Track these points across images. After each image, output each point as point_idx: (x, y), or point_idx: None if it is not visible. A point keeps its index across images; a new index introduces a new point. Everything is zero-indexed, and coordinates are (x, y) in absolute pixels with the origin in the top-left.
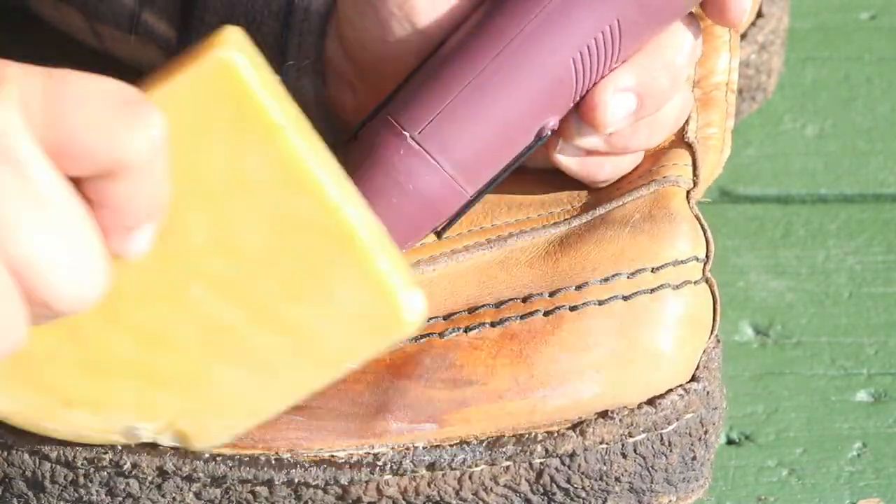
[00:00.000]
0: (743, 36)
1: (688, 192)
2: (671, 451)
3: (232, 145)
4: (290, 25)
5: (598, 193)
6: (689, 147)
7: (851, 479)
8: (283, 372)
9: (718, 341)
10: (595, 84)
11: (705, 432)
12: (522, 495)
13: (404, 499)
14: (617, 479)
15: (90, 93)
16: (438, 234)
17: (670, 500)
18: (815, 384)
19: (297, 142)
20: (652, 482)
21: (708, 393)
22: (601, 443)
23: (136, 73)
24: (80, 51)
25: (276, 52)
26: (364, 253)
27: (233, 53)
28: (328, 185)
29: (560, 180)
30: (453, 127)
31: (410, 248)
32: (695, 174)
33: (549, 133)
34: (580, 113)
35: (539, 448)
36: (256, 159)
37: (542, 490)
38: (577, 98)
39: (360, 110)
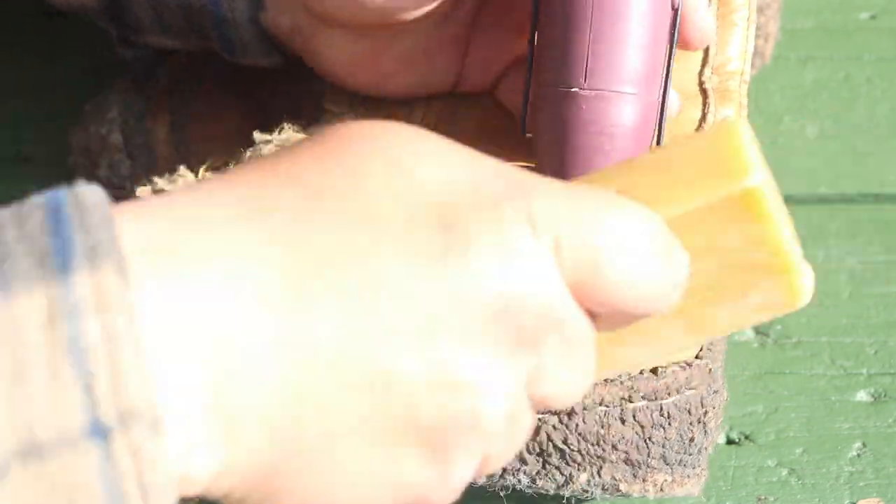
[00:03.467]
0: None
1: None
2: (669, 424)
3: (726, 246)
4: None
5: None
6: None
7: (851, 479)
8: (665, 339)
9: None
10: None
11: (704, 413)
12: (518, 454)
13: None
14: (614, 447)
15: (631, 240)
16: (659, 143)
17: (665, 481)
18: (815, 384)
19: (785, 231)
20: (648, 455)
21: (710, 371)
22: (600, 404)
23: (79, 20)
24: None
25: None
26: (793, 274)
27: (759, 180)
28: (789, 243)
29: None
30: (608, 54)
31: None
32: None
33: (679, 2)
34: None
35: None
36: (736, 242)
37: (538, 449)
38: None
39: (294, 34)
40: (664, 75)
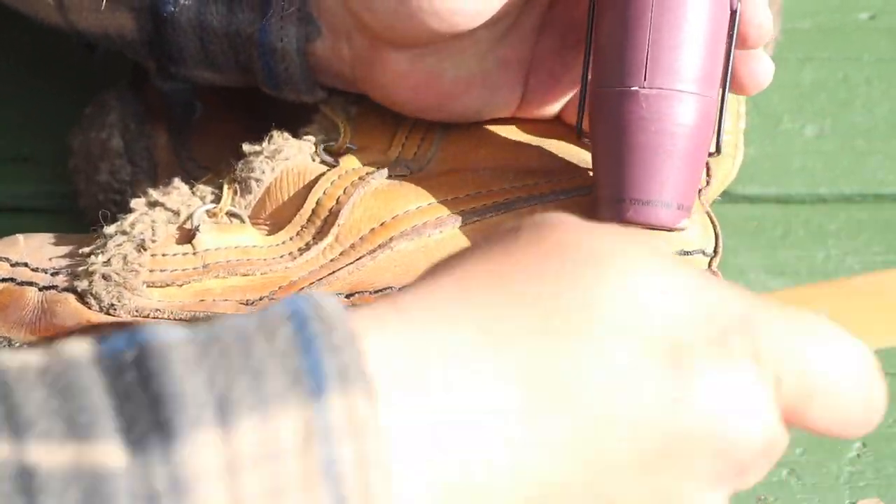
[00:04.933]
0: None
1: (700, 191)
2: None
3: None
4: None
5: None
6: None
7: (851, 479)
8: None
9: None
10: None
11: None
12: None
13: None
14: None
15: (845, 377)
16: (718, 149)
17: None
18: None
19: None
20: None
21: None
22: None
23: (102, 46)
24: (40, 29)
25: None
26: None
27: None
28: None
29: (568, 153)
30: (668, 52)
31: (703, 178)
32: (707, 174)
33: (740, 1)
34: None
35: None
36: None
37: None
38: None
39: (355, 61)
40: (723, 74)
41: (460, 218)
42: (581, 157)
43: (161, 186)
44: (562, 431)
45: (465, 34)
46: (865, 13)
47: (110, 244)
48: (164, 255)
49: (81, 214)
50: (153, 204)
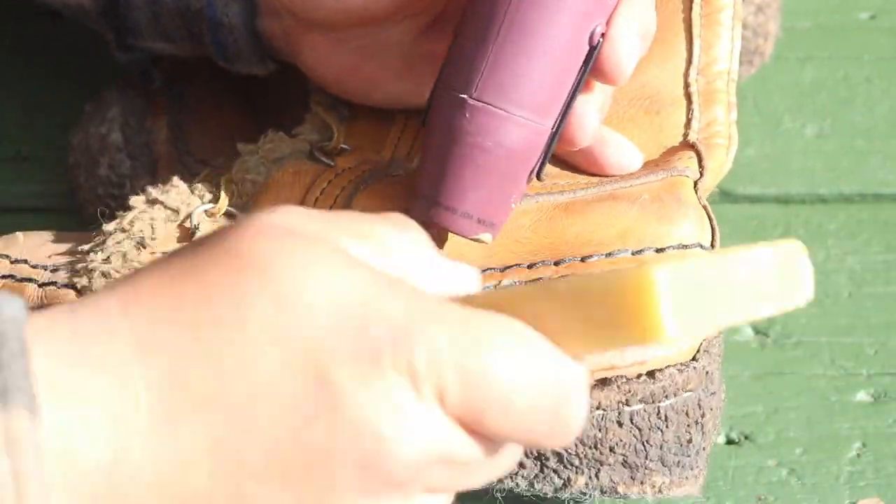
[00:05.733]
0: None
1: (695, 183)
2: (667, 426)
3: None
4: None
5: (605, 178)
6: (693, 147)
7: (851, 479)
8: None
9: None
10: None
11: (702, 415)
12: None
13: None
14: (611, 450)
15: (519, 395)
16: (539, 177)
17: (663, 482)
18: (814, 384)
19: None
20: (646, 458)
21: (708, 373)
22: (598, 408)
23: (76, 24)
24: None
25: None
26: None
27: (673, 333)
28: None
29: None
30: (506, 71)
31: (519, 201)
32: (700, 166)
33: (602, 38)
34: (598, 74)
35: None
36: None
37: (535, 453)
38: None
39: (288, 36)
40: (564, 107)
41: None
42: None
43: (160, 185)
44: (201, 441)
45: (385, 24)
46: (865, 13)
47: (109, 242)
48: (163, 253)
49: (80, 209)
50: (152, 202)
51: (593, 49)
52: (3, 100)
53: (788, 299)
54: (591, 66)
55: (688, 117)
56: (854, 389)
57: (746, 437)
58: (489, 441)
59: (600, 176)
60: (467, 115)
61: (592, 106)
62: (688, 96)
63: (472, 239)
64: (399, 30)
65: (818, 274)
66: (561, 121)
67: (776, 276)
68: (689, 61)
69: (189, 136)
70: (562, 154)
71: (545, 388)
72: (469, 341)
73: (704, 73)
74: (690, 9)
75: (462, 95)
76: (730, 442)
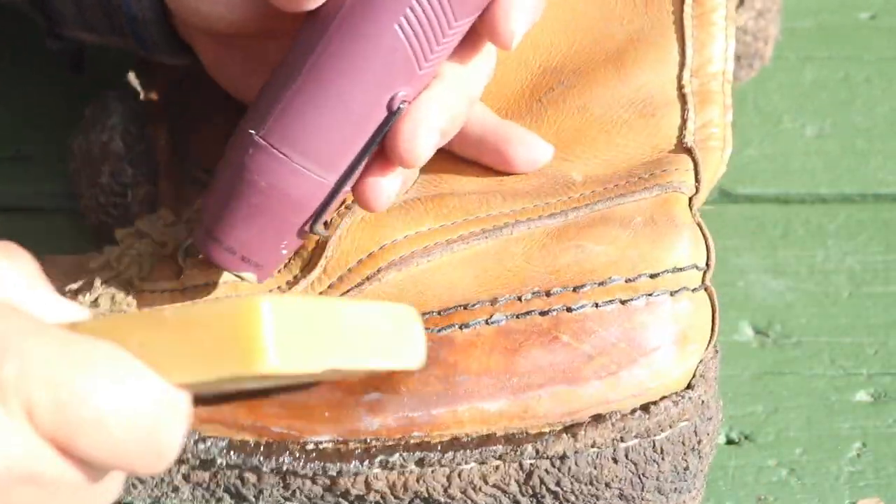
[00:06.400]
0: (741, 2)
1: (690, 199)
2: (663, 458)
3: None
4: None
5: (598, 190)
6: (689, 152)
7: (851, 479)
8: None
9: (717, 351)
10: (434, 54)
11: (699, 442)
12: (511, 496)
13: (392, 494)
14: (607, 485)
15: (111, 421)
16: (312, 230)
17: None
18: (814, 384)
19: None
20: (643, 490)
21: (703, 402)
22: (592, 446)
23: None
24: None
25: None
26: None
27: (273, 366)
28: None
29: (554, 170)
30: (296, 118)
31: (293, 250)
32: (696, 179)
33: (403, 105)
34: (390, 153)
35: (529, 448)
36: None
37: (531, 492)
38: (424, 63)
39: (190, 36)
40: (351, 166)
41: (448, 246)
42: (565, 176)
43: (146, 216)
44: None
45: (262, 38)
46: (866, 13)
47: (97, 283)
48: (151, 292)
49: (83, 215)
50: (140, 234)
51: (391, 115)
52: (3, 100)
53: (400, 359)
54: (385, 133)
55: (683, 119)
56: (854, 389)
57: (746, 437)
58: (85, 465)
59: (513, 174)
60: (250, 152)
61: (391, 176)
62: (682, 98)
63: (235, 275)
64: (277, 45)
65: (818, 273)
66: (346, 178)
67: (390, 335)
68: (683, 63)
69: (189, 142)
70: (469, 155)
71: (140, 414)
72: (66, 363)
73: (698, 75)
74: (682, 10)
75: (251, 132)
76: (730, 442)
